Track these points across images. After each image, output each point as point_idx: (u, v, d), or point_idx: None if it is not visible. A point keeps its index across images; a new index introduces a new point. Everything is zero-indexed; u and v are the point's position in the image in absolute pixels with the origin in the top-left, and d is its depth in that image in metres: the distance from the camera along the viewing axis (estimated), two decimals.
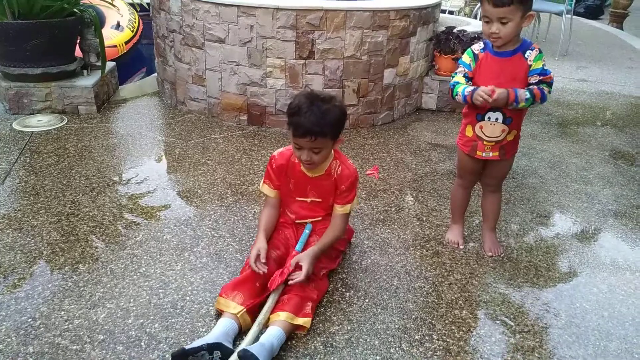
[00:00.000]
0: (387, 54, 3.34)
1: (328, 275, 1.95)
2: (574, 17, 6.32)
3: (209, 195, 2.53)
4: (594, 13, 10.03)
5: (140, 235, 2.17)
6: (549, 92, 1.86)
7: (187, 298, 1.82)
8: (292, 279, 1.73)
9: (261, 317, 1.65)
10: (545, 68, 1.84)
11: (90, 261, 1.99)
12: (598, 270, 2.14)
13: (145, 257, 2.03)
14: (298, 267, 1.76)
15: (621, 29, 8.40)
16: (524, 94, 1.81)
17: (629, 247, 2.33)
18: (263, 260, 1.78)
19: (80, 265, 1.96)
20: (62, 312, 1.71)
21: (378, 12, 3.19)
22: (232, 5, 3.07)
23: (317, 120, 1.69)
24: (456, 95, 1.90)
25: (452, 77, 1.94)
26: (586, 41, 6.73)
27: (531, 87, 1.83)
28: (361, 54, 3.23)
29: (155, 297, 1.81)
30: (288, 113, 1.77)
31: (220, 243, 2.15)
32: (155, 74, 4.00)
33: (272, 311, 1.67)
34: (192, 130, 3.28)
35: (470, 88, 1.85)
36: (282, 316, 1.63)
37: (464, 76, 1.90)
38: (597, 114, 4.07)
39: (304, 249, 1.87)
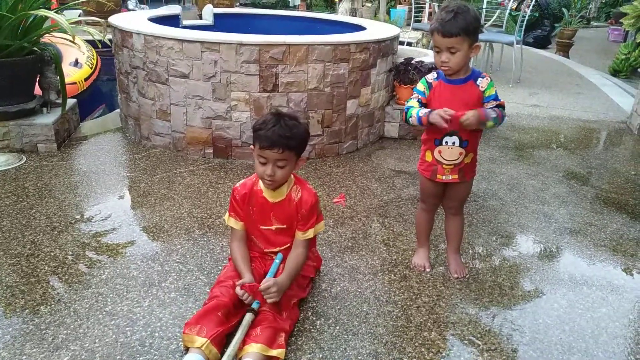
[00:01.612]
0: (349, 86, 3.44)
1: (299, 304, 1.96)
2: (523, 46, 6.67)
3: (175, 230, 2.51)
4: (542, 43, 10.61)
5: (106, 273, 2.13)
6: (504, 115, 1.97)
7: (156, 334, 1.78)
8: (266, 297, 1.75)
9: (231, 349, 1.62)
10: (497, 95, 1.96)
11: (52, 302, 1.93)
12: (558, 287, 2.22)
13: (111, 295, 1.99)
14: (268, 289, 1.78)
15: (567, 57, 8.91)
16: (490, 112, 1.90)
17: (585, 262, 2.43)
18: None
19: (41, 307, 1.90)
20: (24, 357, 1.65)
21: (339, 46, 3.30)
22: (195, 41, 3.12)
23: (284, 133, 1.74)
24: (410, 117, 1.97)
25: (407, 102, 2.03)
26: (536, 69, 7.10)
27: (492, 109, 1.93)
28: (324, 86, 3.32)
29: (122, 335, 1.77)
30: (255, 128, 1.80)
31: (188, 277, 2.13)
32: (118, 110, 3.98)
33: (245, 343, 1.66)
34: (157, 165, 3.26)
35: (426, 110, 1.94)
36: (256, 348, 1.62)
37: (417, 101, 1.99)
38: (550, 137, 4.27)
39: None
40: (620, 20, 4.67)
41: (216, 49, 3.11)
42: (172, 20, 4.10)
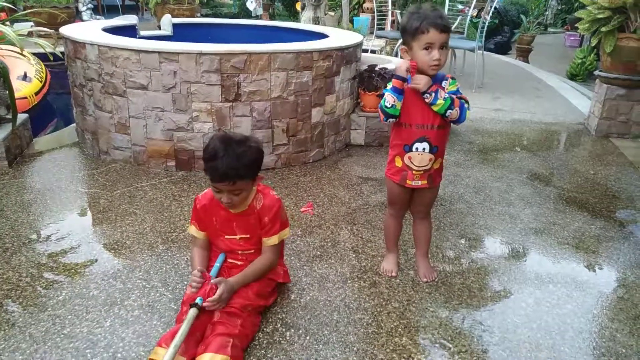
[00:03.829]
0: (313, 94, 3.43)
1: (261, 313, 1.92)
2: (485, 52, 6.83)
3: (138, 246, 2.42)
4: (502, 49, 10.89)
5: (63, 294, 2.03)
6: (468, 108, 1.94)
7: (119, 355, 1.70)
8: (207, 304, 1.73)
9: (177, 340, 1.60)
10: (459, 91, 1.94)
11: (6, 327, 1.82)
12: (525, 286, 2.24)
13: (69, 316, 1.90)
14: (213, 290, 1.76)
15: (527, 62, 9.17)
16: (445, 93, 1.88)
17: (550, 261, 2.46)
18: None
19: None
20: None
21: (301, 54, 3.29)
22: (153, 52, 3.05)
23: (233, 164, 1.70)
24: (385, 101, 1.91)
25: (380, 104, 1.98)
26: (498, 74, 7.27)
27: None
28: (288, 94, 3.30)
29: (82, 358, 1.69)
30: (204, 158, 1.77)
31: (152, 294, 2.05)
32: (74, 124, 3.85)
33: (197, 353, 1.64)
34: (117, 180, 3.16)
35: (392, 81, 1.90)
36: (205, 358, 1.60)
37: None
38: (514, 140, 4.36)
39: (218, 276, 1.88)
40: (576, 25, 4.82)
41: (175, 59, 3.05)
42: (129, 31, 4.01)
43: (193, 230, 1.97)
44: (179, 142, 3.23)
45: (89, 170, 3.30)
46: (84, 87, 3.39)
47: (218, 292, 1.75)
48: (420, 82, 1.86)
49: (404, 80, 1.88)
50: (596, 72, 4.67)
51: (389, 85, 1.95)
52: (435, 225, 2.71)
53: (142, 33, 4.17)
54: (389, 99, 1.90)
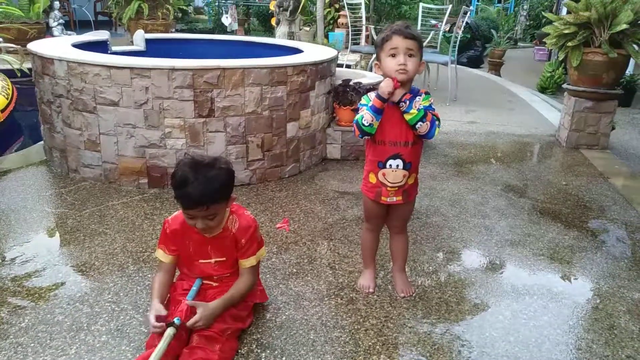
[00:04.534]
0: (288, 109, 3.41)
1: (239, 336, 1.86)
2: (458, 66, 6.94)
3: (107, 267, 2.34)
4: (475, 62, 11.12)
5: (26, 320, 1.93)
6: (439, 125, 1.93)
7: None
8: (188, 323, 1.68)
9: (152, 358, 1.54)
10: (432, 107, 1.95)
11: None
12: (502, 298, 2.23)
13: (32, 344, 1.81)
14: (190, 310, 1.71)
15: (499, 75, 9.37)
16: (419, 105, 1.87)
17: (526, 272, 2.47)
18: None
19: None
20: None
21: (275, 69, 3.27)
22: (124, 67, 2.99)
23: (205, 190, 1.65)
24: (362, 118, 1.89)
25: (355, 118, 1.95)
26: (472, 87, 7.39)
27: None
28: (262, 109, 3.27)
29: None
30: (173, 185, 1.71)
31: (122, 317, 1.97)
32: (42, 142, 3.73)
33: None
34: (86, 198, 3.06)
35: (373, 97, 1.88)
36: None
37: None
38: (488, 152, 4.41)
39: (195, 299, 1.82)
40: (544, 40, 4.94)
41: (147, 74, 2.99)
42: (100, 47, 3.93)
43: (160, 254, 1.89)
44: (152, 159, 3.16)
45: (57, 189, 3.20)
46: (52, 104, 3.30)
47: (197, 315, 1.70)
48: (397, 93, 1.85)
49: (384, 101, 1.87)
50: (564, 86, 4.78)
51: (365, 101, 1.94)
52: (412, 239, 2.70)
53: (114, 49, 4.10)
54: (367, 117, 1.89)
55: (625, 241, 2.86)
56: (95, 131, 3.15)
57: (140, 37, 4.34)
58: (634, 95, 6.61)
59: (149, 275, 2.27)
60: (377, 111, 1.88)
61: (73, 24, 12.08)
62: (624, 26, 4.01)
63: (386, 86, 1.84)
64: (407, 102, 1.87)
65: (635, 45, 4.21)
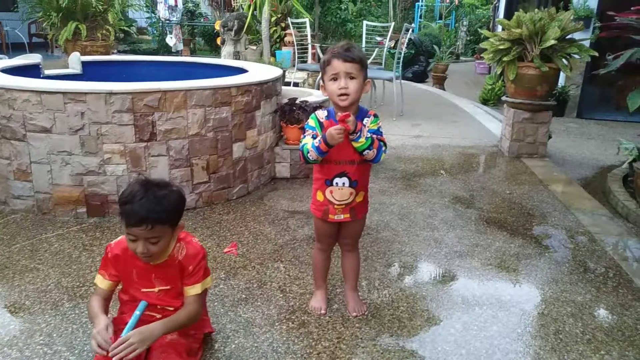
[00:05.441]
0: (233, 129, 3.34)
1: None
2: (403, 81, 7.10)
3: (39, 306, 2.17)
4: (420, 77, 11.45)
5: None
6: (385, 151, 1.96)
7: None
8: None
9: None
10: (380, 130, 1.96)
11: None
12: (453, 311, 2.24)
13: None
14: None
15: (443, 89, 9.67)
16: (367, 133, 1.89)
17: (475, 283, 2.50)
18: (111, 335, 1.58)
19: None
20: None
21: (219, 90, 3.21)
22: (57, 92, 2.84)
23: (152, 207, 1.58)
24: (308, 153, 1.89)
25: (301, 141, 1.94)
26: (417, 102, 7.57)
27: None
28: (206, 131, 3.19)
29: None
30: (120, 202, 1.63)
31: None
32: None
33: None
34: (16, 232, 2.86)
35: (319, 137, 1.87)
36: None
37: (312, 137, 1.91)
38: (434, 165, 4.50)
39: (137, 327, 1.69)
40: (482, 55, 5.14)
41: (82, 99, 2.86)
42: (33, 71, 3.75)
43: (99, 279, 1.78)
44: (90, 187, 3.01)
45: None
46: None
47: (130, 340, 1.57)
48: (352, 124, 1.83)
49: (330, 147, 1.86)
50: (503, 98, 4.98)
51: (312, 122, 1.94)
52: (363, 255, 2.68)
53: (47, 72, 3.91)
54: (313, 155, 1.89)
55: (567, 246, 2.96)
56: (25, 160, 2.96)
57: (75, 60, 4.17)
58: (566, 105, 7.00)
59: (87, 312, 2.12)
60: (322, 153, 1.89)
61: (5, 47, 11.54)
62: (552, 42, 4.24)
63: (338, 137, 1.81)
64: (358, 132, 1.87)
65: (564, 60, 4.45)
